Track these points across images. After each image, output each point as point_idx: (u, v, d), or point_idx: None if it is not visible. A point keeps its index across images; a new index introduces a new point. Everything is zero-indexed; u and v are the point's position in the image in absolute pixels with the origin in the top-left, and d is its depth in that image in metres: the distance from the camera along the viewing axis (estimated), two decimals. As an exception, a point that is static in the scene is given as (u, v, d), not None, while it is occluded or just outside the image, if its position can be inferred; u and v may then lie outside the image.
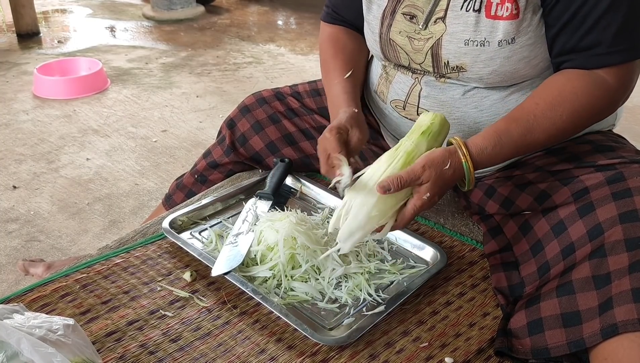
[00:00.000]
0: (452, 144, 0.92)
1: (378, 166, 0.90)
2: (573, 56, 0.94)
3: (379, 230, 0.90)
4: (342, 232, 0.87)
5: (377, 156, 1.23)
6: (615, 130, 1.15)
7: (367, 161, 1.23)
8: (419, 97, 1.08)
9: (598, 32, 0.90)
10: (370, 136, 1.26)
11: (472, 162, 0.90)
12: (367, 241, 1.05)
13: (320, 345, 0.85)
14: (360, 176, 0.91)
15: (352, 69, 1.14)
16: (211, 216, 1.14)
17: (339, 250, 0.90)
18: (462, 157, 0.90)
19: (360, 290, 0.95)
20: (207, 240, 1.07)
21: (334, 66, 1.16)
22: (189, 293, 0.95)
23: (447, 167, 0.88)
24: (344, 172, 0.90)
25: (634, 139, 1.25)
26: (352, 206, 0.87)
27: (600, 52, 0.91)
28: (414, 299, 0.96)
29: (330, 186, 0.93)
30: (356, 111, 1.04)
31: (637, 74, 0.97)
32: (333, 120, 1.06)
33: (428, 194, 0.87)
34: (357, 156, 0.99)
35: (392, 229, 0.91)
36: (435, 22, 0.99)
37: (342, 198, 0.90)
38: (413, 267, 1.02)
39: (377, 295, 0.94)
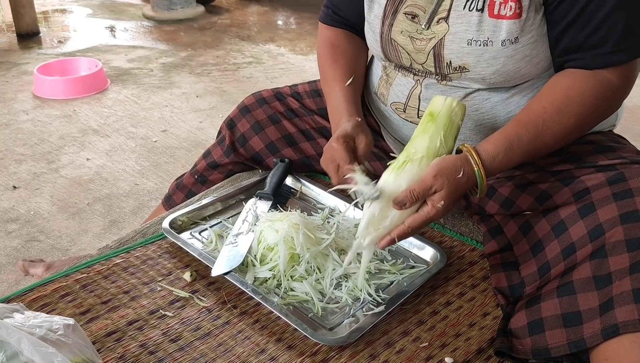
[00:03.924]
0: (461, 151, 0.91)
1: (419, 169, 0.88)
2: (578, 55, 0.94)
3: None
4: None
5: (378, 157, 1.24)
6: (616, 130, 1.15)
7: (368, 162, 1.24)
8: (420, 99, 1.08)
9: (605, 31, 0.90)
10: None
11: (485, 169, 0.89)
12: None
13: (320, 345, 0.85)
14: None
15: (352, 76, 1.13)
16: (211, 216, 1.14)
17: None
18: (474, 165, 0.89)
19: (360, 290, 0.95)
20: (207, 240, 1.07)
21: (334, 74, 1.15)
22: (189, 293, 0.95)
23: (460, 175, 0.87)
24: (360, 181, 0.89)
25: (634, 139, 1.25)
26: (389, 220, 0.87)
27: (606, 51, 0.91)
28: (414, 299, 0.96)
29: (351, 198, 0.92)
30: (359, 120, 1.03)
31: (638, 71, 0.97)
32: (335, 128, 1.05)
33: (442, 202, 0.86)
34: (367, 162, 0.98)
35: (404, 236, 0.89)
36: (437, 22, 0.98)
37: (360, 205, 0.90)
38: (413, 267, 1.02)
39: (377, 295, 0.94)
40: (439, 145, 0.90)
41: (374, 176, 0.92)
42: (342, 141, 0.95)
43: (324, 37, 1.23)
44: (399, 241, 0.89)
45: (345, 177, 0.92)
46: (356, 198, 0.89)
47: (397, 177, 0.88)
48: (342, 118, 1.05)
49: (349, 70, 1.15)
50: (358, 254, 1.01)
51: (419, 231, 0.96)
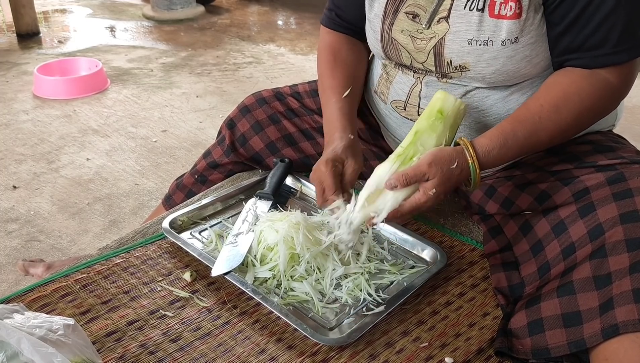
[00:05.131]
0: (459, 144, 0.93)
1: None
2: (577, 55, 0.94)
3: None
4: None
5: (378, 157, 1.24)
6: (615, 130, 1.15)
7: (367, 161, 1.24)
8: (420, 97, 1.08)
9: (604, 32, 0.90)
10: (370, 137, 1.27)
11: (479, 163, 0.91)
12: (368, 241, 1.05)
13: (320, 345, 0.85)
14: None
15: (350, 87, 1.13)
16: (211, 216, 1.14)
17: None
18: (469, 158, 0.91)
19: (360, 290, 0.95)
20: (207, 240, 1.07)
21: (332, 83, 1.15)
22: (189, 293, 0.95)
23: (454, 166, 0.89)
24: (341, 221, 0.94)
25: (634, 139, 1.25)
26: (387, 200, 0.91)
27: (606, 52, 0.91)
28: (414, 299, 0.96)
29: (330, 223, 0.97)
30: (352, 137, 1.05)
31: (637, 71, 0.97)
32: (327, 141, 1.07)
33: (434, 190, 0.89)
34: (352, 189, 1.01)
35: (390, 217, 0.92)
36: (438, 21, 0.98)
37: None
38: (413, 267, 1.02)
39: (377, 295, 0.94)
40: (444, 145, 0.93)
41: (363, 177, 0.97)
42: (331, 166, 0.98)
43: (325, 42, 1.22)
44: (387, 222, 0.94)
45: (327, 201, 0.97)
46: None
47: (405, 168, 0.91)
48: (335, 133, 1.06)
49: (348, 80, 1.15)
50: (358, 254, 1.01)
51: (410, 217, 1.01)
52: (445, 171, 0.88)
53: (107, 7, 5.10)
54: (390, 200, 0.90)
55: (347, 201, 0.96)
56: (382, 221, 0.92)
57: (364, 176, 1.28)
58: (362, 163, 1.04)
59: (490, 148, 0.92)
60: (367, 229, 1.02)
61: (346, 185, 0.99)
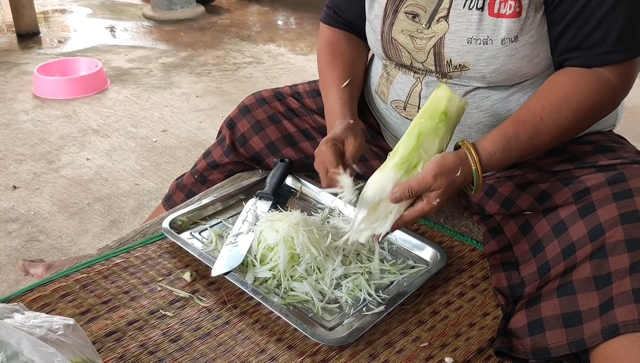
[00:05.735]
0: (459, 147, 0.91)
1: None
2: (577, 53, 0.94)
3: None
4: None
5: (377, 156, 1.24)
6: (616, 130, 1.15)
7: (368, 161, 1.24)
8: (420, 97, 1.08)
9: (603, 30, 0.90)
10: (370, 137, 1.27)
11: (482, 167, 0.90)
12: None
13: (320, 345, 0.85)
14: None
15: (349, 77, 1.14)
16: (211, 216, 1.14)
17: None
18: (472, 165, 0.89)
19: (360, 290, 0.95)
20: (207, 240, 1.07)
21: (331, 75, 1.16)
22: (189, 293, 0.95)
23: (458, 174, 0.88)
24: (344, 185, 0.92)
25: (634, 139, 1.25)
26: (389, 211, 0.89)
27: (605, 50, 0.91)
28: (414, 299, 0.96)
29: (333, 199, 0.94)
30: (351, 121, 1.04)
31: (637, 70, 0.97)
32: (329, 130, 1.07)
33: (438, 200, 0.87)
34: (355, 164, 0.99)
35: (394, 228, 0.91)
36: (438, 21, 0.99)
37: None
38: (413, 267, 1.02)
39: (377, 295, 0.94)
40: (445, 148, 0.92)
41: (363, 178, 0.94)
42: (330, 145, 0.97)
43: (324, 37, 1.23)
44: (392, 232, 0.91)
45: (332, 180, 0.95)
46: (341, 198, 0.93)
47: (409, 178, 0.88)
48: (335, 120, 1.06)
49: (347, 71, 1.15)
50: (358, 254, 1.01)
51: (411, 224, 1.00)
52: (449, 181, 0.87)
53: (107, 7, 5.10)
54: (393, 212, 0.89)
55: (352, 174, 0.94)
56: (387, 234, 0.90)
57: (364, 176, 1.28)
58: (364, 141, 1.02)
59: (493, 151, 0.91)
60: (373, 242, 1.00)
61: (348, 160, 0.98)
